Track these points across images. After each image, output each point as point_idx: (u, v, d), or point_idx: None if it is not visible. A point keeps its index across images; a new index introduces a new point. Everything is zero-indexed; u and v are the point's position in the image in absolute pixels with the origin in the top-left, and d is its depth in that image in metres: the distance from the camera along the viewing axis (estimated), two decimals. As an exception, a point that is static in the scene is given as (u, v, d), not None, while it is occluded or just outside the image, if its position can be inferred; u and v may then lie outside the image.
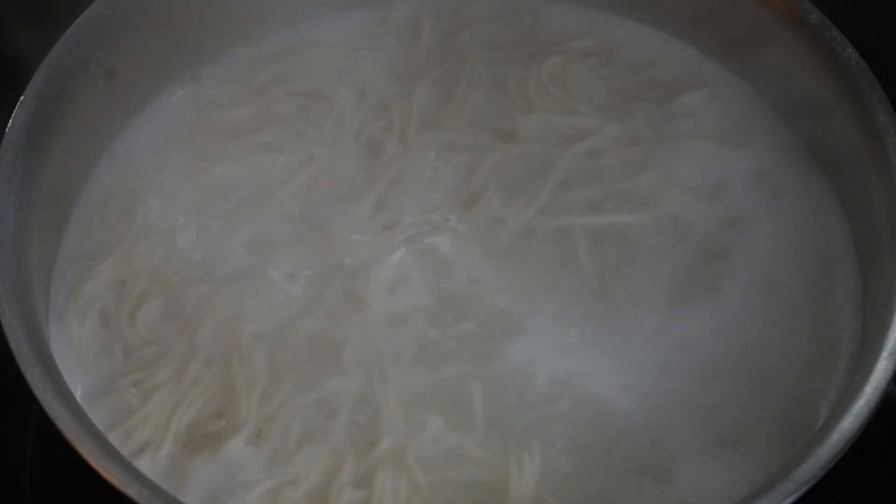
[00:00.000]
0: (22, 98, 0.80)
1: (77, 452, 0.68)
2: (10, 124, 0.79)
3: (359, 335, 0.80)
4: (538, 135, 0.88)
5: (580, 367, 0.79)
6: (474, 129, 0.88)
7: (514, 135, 0.88)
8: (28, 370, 0.70)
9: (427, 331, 0.80)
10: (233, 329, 0.80)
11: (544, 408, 0.77)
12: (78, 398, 0.76)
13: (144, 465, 0.75)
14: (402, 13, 0.94)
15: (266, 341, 0.80)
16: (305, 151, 0.88)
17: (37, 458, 0.85)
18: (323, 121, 0.89)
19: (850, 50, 0.83)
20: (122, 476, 0.67)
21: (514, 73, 0.91)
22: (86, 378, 0.79)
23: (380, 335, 0.80)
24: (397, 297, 0.82)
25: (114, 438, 0.75)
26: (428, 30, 0.93)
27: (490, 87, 0.90)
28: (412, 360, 0.79)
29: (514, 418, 0.77)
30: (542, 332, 0.81)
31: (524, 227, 0.84)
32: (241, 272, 0.83)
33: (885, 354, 0.72)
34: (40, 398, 0.70)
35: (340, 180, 0.87)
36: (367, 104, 0.90)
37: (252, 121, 0.89)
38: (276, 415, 0.77)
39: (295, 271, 0.83)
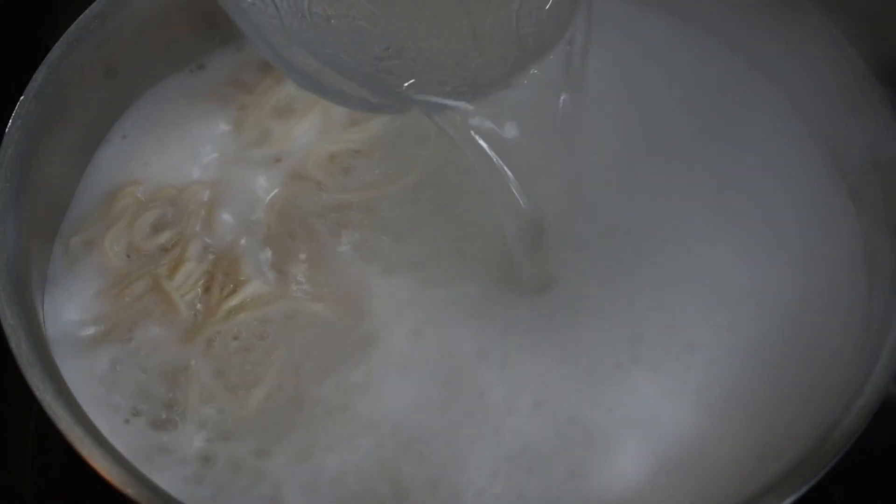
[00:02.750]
0: (22, 98, 0.80)
1: (77, 452, 0.68)
2: (10, 124, 0.79)
3: None
4: None
5: None
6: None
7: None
8: (28, 370, 0.70)
9: None
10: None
11: None
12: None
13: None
14: None
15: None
16: (241, 101, 0.91)
17: (37, 458, 0.85)
18: (269, 70, 0.92)
19: (849, 50, 0.84)
20: (122, 476, 0.67)
21: None
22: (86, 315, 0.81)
23: None
24: None
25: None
26: None
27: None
28: None
29: None
30: None
31: None
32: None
33: (885, 354, 0.72)
34: (40, 398, 0.70)
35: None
36: None
37: (224, 91, 0.92)
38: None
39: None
